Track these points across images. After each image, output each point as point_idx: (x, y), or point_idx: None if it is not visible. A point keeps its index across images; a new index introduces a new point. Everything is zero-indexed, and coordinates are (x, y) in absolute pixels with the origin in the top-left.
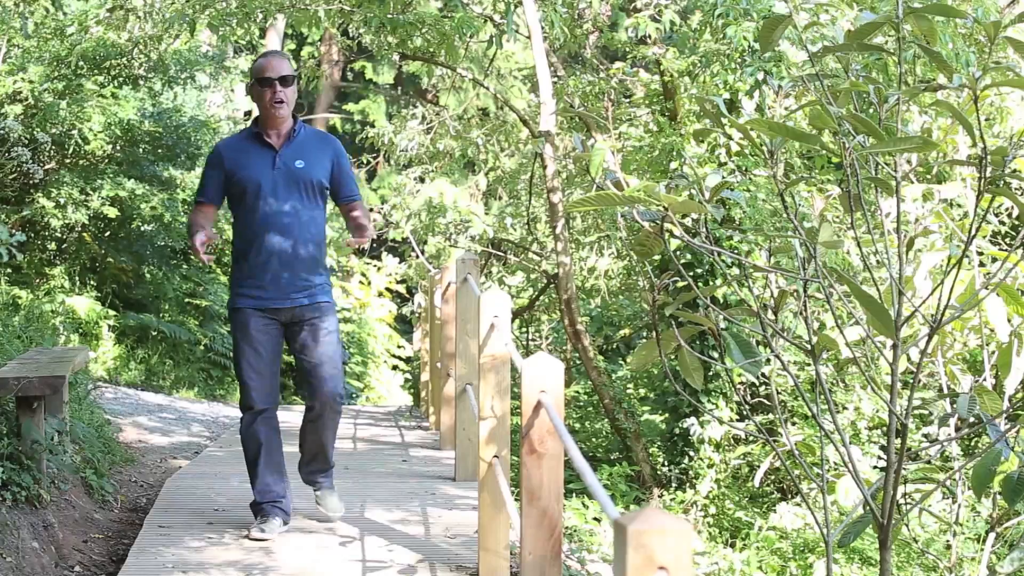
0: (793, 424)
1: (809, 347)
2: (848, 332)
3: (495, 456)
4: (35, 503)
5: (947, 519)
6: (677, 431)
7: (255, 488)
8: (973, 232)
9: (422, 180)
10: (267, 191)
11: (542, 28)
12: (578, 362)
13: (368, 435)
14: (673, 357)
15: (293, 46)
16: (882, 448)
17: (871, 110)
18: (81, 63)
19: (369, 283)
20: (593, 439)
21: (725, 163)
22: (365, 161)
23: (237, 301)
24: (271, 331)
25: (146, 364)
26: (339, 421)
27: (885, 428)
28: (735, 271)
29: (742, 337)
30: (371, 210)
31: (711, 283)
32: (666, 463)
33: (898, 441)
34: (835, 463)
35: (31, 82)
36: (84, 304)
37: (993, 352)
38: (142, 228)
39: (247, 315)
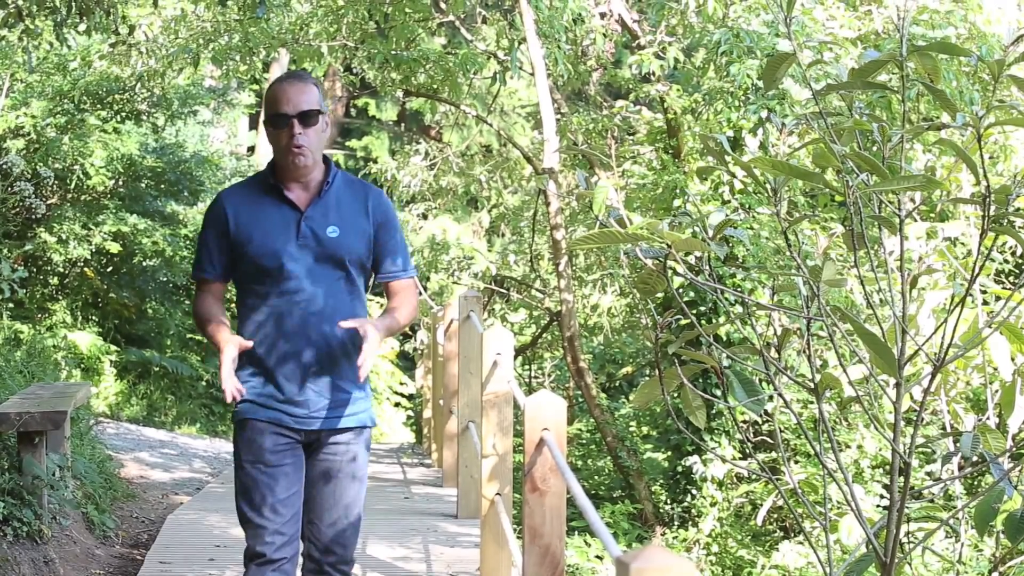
0: (796, 462)
1: (812, 385)
2: (851, 370)
3: (497, 493)
4: (36, 538)
5: (950, 558)
6: (680, 469)
7: None
8: (976, 270)
9: (425, 217)
10: (288, 269)
11: (546, 65)
12: (581, 400)
13: (370, 472)
14: (676, 395)
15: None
16: (885, 486)
17: (875, 148)
18: (84, 98)
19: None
20: (596, 477)
21: (728, 201)
22: None
23: (246, 409)
24: (293, 454)
25: (148, 400)
26: None
27: (888, 466)
28: (738, 309)
29: (745, 375)
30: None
31: (714, 321)
32: (669, 501)
33: (901, 479)
34: (838, 501)
35: (33, 117)
36: (86, 339)
37: (996, 391)
38: (144, 264)
39: (259, 430)
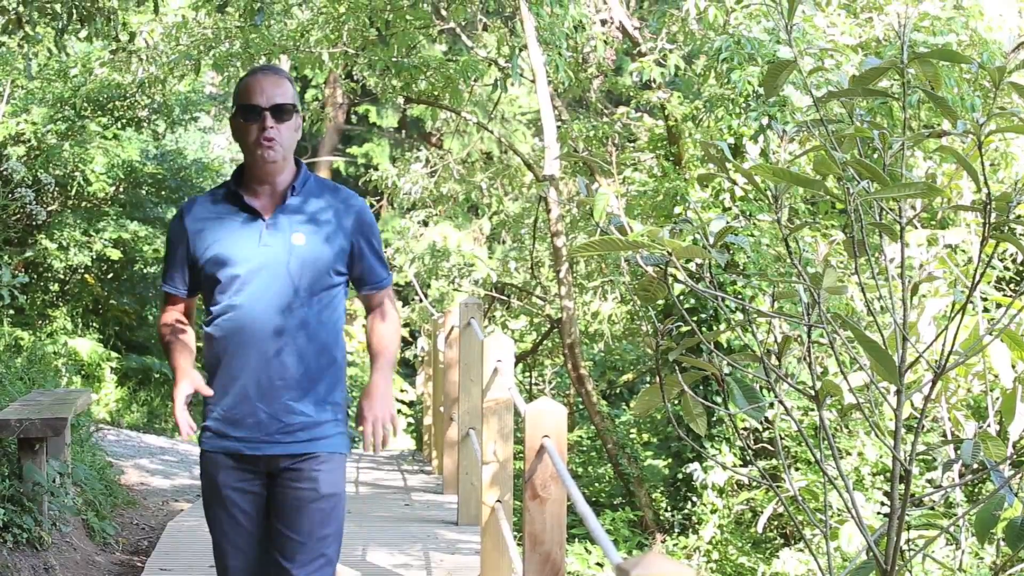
0: (796, 470)
1: (813, 393)
2: (852, 378)
3: (498, 500)
4: (36, 545)
5: (951, 565)
6: (680, 476)
7: None
8: (977, 278)
9: (425, 224)
10: (245, 281)
11: (546, 72)
12: (581, 407)
13: (370, 479)
14: (676, 402)
15: (297, 88)
16: (885, 494)
17: (875, 155)
18: (84, 105)
19: None
20: (596, 484)
21: (729, 208)
22: (368, 204)
23: (204, 440)
24: (254, 489)
25: (148, 406)
26: None
27: (888, 474)
28: (739, 316)
29: (745, 382)
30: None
31: (715, 328)
32: (669, 508)
33: (902, 487)
34: (838, 509)
35: (34, 123)
36: (86, 346)
37: (997, 398)
38: (144, 270)
39: (217, 465)
